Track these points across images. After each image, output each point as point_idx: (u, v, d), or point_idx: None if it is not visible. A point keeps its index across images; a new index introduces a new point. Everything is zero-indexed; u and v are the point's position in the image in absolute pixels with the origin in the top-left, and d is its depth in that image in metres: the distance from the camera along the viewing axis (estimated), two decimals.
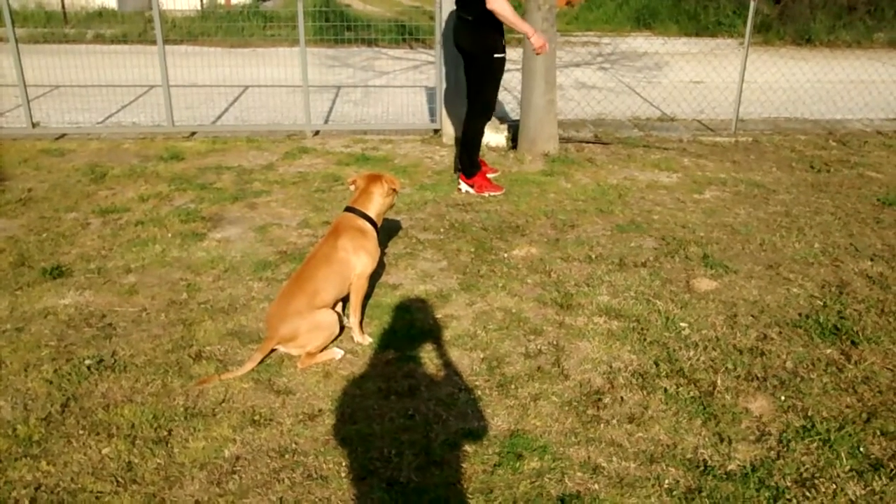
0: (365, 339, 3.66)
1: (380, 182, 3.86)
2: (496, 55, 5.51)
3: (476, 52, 5.57)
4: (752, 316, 3.98)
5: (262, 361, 3.41)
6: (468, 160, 5.84)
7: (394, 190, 3.91)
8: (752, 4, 7.55)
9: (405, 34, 13.98)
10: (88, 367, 3.40)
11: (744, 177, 6.29)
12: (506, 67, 5.64)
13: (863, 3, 14.92)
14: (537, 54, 5.71)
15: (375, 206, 3.83)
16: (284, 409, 3.15)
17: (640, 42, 13.49)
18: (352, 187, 3.96)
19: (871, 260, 4.69)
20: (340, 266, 3.59)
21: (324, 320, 3.47)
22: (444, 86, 7.00)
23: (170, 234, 4.90)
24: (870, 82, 10.29)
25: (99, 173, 6.04)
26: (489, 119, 5.92)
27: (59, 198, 5.53)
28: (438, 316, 3.94)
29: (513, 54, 6.41)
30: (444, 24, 6.70)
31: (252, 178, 6.03)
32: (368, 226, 3.76)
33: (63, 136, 7.13)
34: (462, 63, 5.78)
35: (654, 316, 3.95)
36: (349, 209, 3.82)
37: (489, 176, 5.97)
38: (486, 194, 5.77)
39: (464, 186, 5.87)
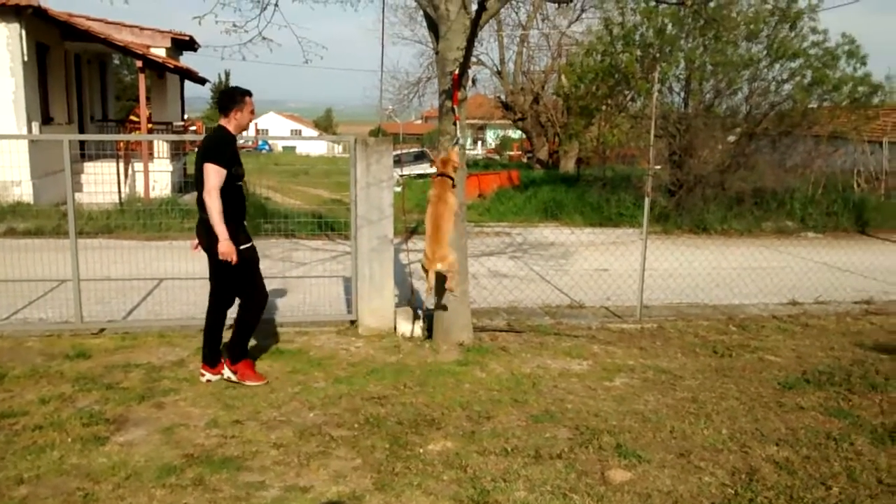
0: None
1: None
2: (241, 247, 5.47)
3: (214, 250, 5.43)
4: None
5: None
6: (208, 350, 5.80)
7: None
8: (646, 199, 8.16)
9: (324, 226, 14.31)
10: None
11: (651, 363, 6.50)
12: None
13: (749, 195, 16.25)
14: (222, 261, 5.42)
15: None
16: None
17: (549, 232, 14.18)
18: None
19: (777, 445, 4.82)
20: None
21: None
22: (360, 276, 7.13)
23: (69, 439, 4.66)
24: (761, 269, 11.02)
25: None
26: (262, 309, 5.86)
27: None
28: None
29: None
30: (359, 217, 6.93)
31: (161, 375, 5.88)
32: None
33: None
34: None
35: None
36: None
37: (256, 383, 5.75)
38: (247, 383, 5.67)
39: (227, 373, 5.74)
